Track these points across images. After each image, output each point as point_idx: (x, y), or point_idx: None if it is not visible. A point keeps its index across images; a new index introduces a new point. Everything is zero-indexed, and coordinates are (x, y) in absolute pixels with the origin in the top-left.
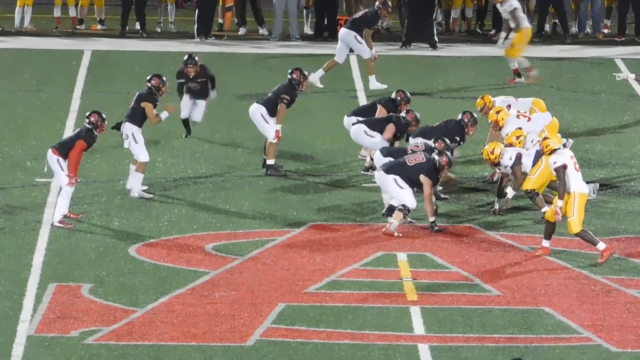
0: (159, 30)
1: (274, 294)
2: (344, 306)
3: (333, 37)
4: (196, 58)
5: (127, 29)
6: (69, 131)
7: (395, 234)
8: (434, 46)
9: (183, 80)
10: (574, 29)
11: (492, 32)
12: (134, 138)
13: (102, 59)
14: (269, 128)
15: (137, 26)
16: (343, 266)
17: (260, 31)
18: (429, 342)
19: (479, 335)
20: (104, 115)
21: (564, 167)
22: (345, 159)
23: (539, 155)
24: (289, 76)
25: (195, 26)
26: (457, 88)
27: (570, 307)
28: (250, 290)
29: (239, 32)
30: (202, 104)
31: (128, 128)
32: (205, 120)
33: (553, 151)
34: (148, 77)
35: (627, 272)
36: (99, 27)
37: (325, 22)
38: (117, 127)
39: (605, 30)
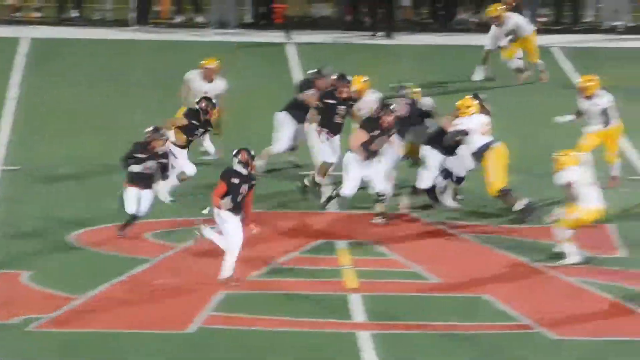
0: (96, 17)
1: (214, 282)
2: (284, 293)
3: (271, 26)
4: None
5: (64, 16)
6: (6, 118)
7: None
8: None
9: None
10: None
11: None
12: (172, 153)
13: (39, 47)
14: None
15: (75, 14)
16: (283, 254)
17: (198, 19)
18: (369, 330)
19: (420, 322)
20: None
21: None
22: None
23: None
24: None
25: (133, 13)
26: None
27: (510, 294)
28: (191, 277)
29: (176, 20)
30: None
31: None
32: (143, 109)
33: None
34: (197, 99)
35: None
36: (35, 14)
37: (263, 10)
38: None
39: (542, 19)
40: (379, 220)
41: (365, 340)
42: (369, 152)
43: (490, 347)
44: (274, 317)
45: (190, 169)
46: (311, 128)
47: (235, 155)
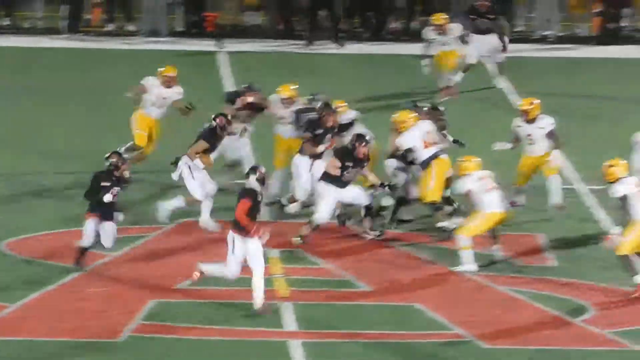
0: (27, 25)
1: (145, 290)
2: (215, 302)
3: (202, 34)
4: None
5: None
6: None
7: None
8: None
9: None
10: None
11: (361, 29)
12: (190, 173)
13: None
14: None
15: (5, 22)
16: (216, 262)
17: (129, 27)
18: (300, 338)
19: (351, 331)
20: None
21: (625, 197)
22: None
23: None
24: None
25: (64, 22)
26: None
27: (441, 303)
28: (122, 286)
29: (107, 28)
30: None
31: (184, 160)
32: (72, 117)
33: (617, 180)
34: (213, 115)
35: (498, 269)
36: None
37: (194, 19)
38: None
39: None
40: (372, 234)
41: (297, 349)
42: (341, 181)
43: (422, 356)
44: (205, 326)
45: (199, 195)
46: (302, 159)
47: (252, 172)
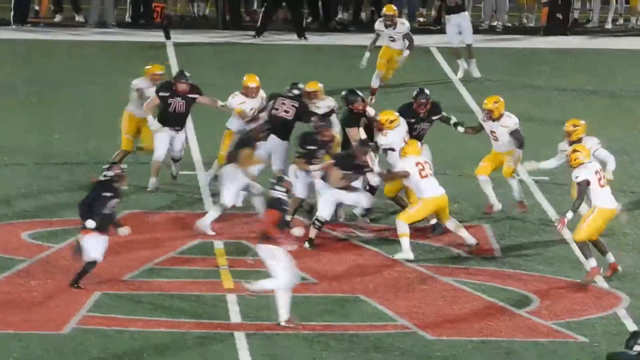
0: None
1: (90, 282)
2: (160, 294)
3: (149, 25)
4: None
5: None
6: None
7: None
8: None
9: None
10: None
11: (309, 19)
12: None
13: None
14: None
15: None
16: (160, 254)
17: (77, 18)
18: (245, 330)
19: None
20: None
21: (587, 182)
22: None
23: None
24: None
25: (12, 13)
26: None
27: (385, 294)
28: (67, 278)
29: (55, 19)
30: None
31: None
32: (21, 110)
33: (580, 165)
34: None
35: (441, 260)
36: None
37: (142, 10)
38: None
39: (421, 19)
40: (364, 233)
41: (241, 341)
42: (343, 187)
43: (366, 348)
44: (150, 318)
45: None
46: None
47: (278, 184)
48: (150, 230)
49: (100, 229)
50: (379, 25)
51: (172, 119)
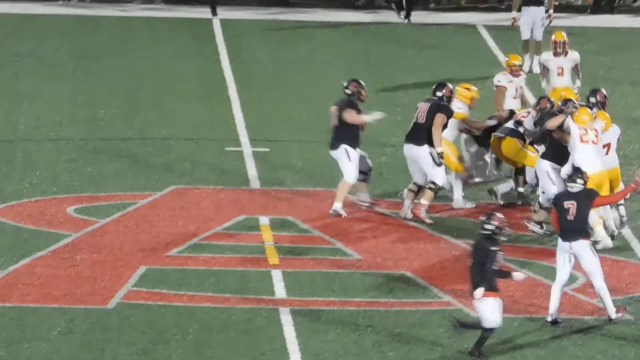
0: None
1: (136, 257)
2: (206, 269)
3: (196, 1)
4: None
5: None
6: None
7: (427, 220)
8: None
9: None
10: None
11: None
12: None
13: None
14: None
15: None
16: (205, 230)
17: None
18: (290, 306)
19: (341, 299)
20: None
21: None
22: (211, 124)
23: None
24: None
25: None
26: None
27: (431, 271)
28: (112, 253)
29: None
30: None
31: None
32: (67, 83)
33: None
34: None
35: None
36: None
37: None
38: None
39: None
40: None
41: (286, 316)
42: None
43: (411, 324)
44: (195, 293)
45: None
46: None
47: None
48: (195, 205)
49: (492, 289)
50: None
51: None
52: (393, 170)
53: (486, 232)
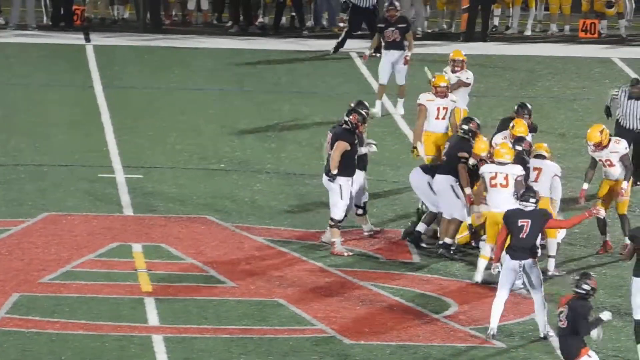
0: None
1: (9, 284)
2: (79, 297)
3: (69, 27)
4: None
5: None
6: None
7: (346, 253)
8: None
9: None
10: (310, 23)
11: (229, 23)
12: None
13: None
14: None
15: None
16: (78, 257)
17: None
18: (163, 333)
19: (214, 326)
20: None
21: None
22: (84, 151)
23: None
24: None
25: None
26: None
27: (304, 299)
28: None
29: None
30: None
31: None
32: None
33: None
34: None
35: (361, 264)
36: None
37: (62, 12)
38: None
39: (341, 24)
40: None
41: (159, 344)
42: None
43: (284, 352)
44: (68, 321)
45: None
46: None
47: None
48: (68, 232)
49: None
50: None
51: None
52: (266, 198)
53: (581, 292)
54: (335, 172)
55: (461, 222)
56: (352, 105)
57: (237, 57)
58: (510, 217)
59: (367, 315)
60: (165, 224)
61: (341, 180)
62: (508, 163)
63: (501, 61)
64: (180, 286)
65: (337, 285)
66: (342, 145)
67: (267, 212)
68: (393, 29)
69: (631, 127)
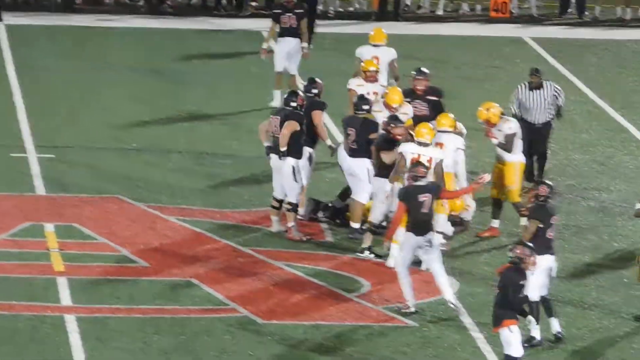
0: None
1: None
2: None
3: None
4: None
5: None
6: None
7: (303, 238)
8: None
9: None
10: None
11: (140, 2)
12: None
13: None
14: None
15: None
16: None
17: None
18: (75, 313)
19: (127, 306)
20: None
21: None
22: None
23: None
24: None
25: None
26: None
27: (217, 278)
28: None
29: None
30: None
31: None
32: None
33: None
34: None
35: (274, 244)
36: None
37: None
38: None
39: (254, 3)
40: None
41: (72, 324)
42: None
43: (197, 331)
44: None
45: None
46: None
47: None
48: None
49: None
50: None
51: None
52: (178, 178)
53: (511, 261)
54: (284, 149)
55: (363, 204)
56: (303, 85)
57: (149, 37)
58: (410, 194)
59: (280, 294)
60: (77, 203)
61: (291, 161)
62: (429, 144)
63: (413, 41)
64: (93, 266)
65: (250, 265)
66: (292, 125)
67: (180, 192)
68: (290, 14)
69: (533, 121)
